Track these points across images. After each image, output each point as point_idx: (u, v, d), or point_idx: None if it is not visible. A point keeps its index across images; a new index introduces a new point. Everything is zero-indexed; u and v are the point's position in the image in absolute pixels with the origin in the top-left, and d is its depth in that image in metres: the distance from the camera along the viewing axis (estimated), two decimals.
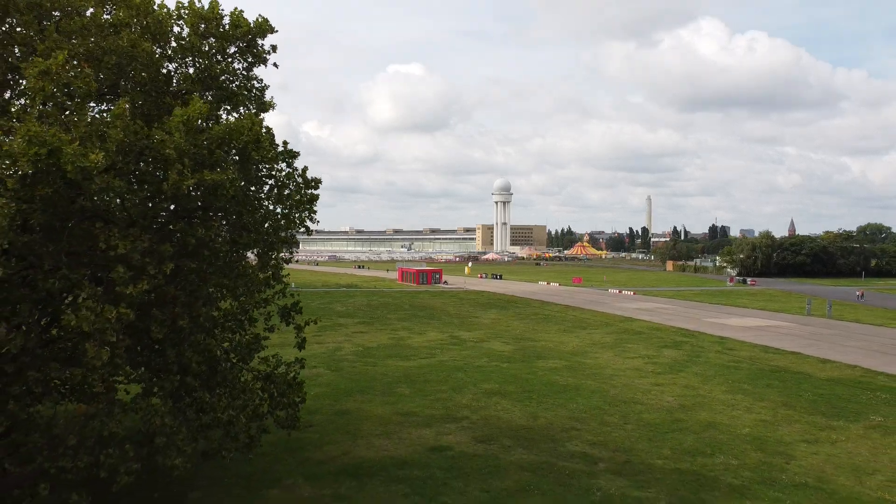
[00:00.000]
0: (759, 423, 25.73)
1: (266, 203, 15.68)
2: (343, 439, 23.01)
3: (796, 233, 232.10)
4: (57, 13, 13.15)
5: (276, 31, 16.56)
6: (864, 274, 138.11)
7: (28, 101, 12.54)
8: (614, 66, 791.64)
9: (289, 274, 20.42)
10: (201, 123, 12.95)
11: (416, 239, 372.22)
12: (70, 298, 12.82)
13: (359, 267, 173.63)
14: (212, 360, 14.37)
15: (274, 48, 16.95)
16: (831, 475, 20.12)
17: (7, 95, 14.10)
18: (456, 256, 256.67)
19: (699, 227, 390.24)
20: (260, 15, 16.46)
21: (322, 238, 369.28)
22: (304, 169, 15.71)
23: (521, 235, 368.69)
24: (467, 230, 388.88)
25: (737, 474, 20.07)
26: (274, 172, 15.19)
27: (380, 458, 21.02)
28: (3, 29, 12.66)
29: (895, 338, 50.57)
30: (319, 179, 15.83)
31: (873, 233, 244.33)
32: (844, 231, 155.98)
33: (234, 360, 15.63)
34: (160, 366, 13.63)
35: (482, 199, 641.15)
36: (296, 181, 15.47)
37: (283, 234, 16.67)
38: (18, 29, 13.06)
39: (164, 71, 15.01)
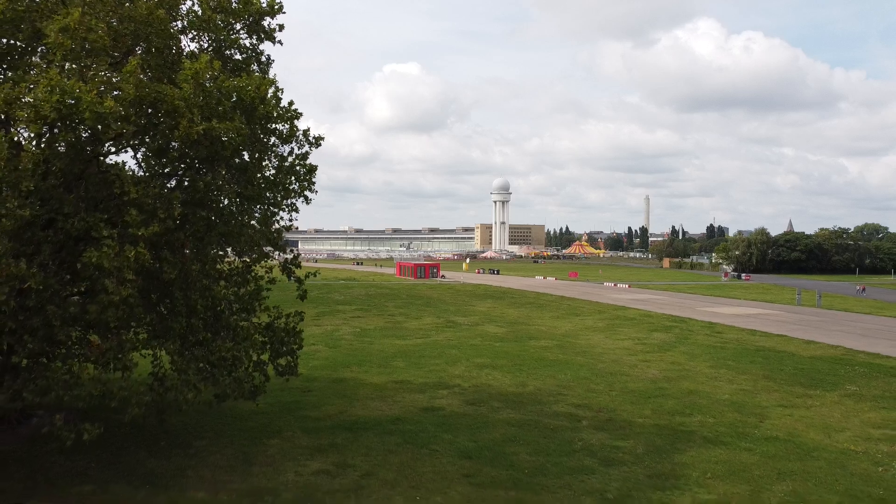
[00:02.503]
0: (739, 392, 26.80)
1: (269, 164, 16.75)
2: (340, 402, 24.06)
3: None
4: None
5: (285, 12, 17.64)
6: (859, 270, 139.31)
7: (49, 56, 13.59)
8: (611, 66, 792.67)
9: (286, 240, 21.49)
10: (210, 76, 13.99)
11: (414, 238, 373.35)
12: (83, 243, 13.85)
13: (357, 264, 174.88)
14: (216, 305, 15.46)
15: (281, 27, 18.04)
16: (802, 431, 21.20)
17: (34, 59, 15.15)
18: (454, 255, 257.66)
19: (698, 228, 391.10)
20: None
21: (321, 237, 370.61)
22: (307, 131, 16.82)
23: (519, 235, 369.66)
24: (466, 230, 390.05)
25: (712, 429, 21.16)
26: (277, 129, 16.26)
27: (375, 416, 22.09)
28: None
29: (882, 324, 51.75)
30: (321, 136, 16.93)
31: (870, 233, 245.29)
32: (839, 228, 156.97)
33: (237, 308, 16.71)
34: (168, 308, 14.70)
35: (480, 200, 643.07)
36: (298, 139, 16.55)
37: (284, 200, 17.76)
38: None
39: (175, 42, 16.07)
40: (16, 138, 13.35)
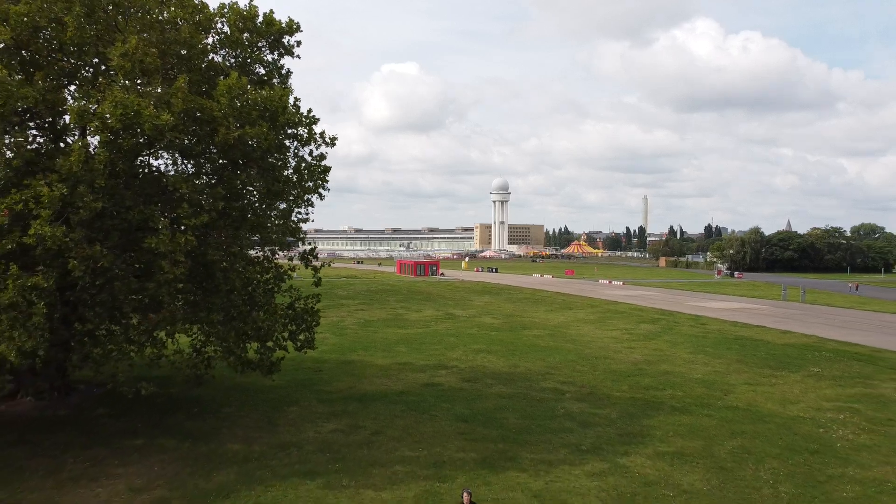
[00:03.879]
0: (712, 373, 29.43)
1: (290, 165, 19.43)
2: (349, 379, 26.70)
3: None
4: (133, 9, 16.78)
5: (302, 30, 20.28)
6: (850, 269, 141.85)
7: (113, 77, 16.21)
8: (609, 66, 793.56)
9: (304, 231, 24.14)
10: (240, 90, 16.60)
11: (414, 238, 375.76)
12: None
13: (358, 262, 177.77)
14: (249, 285, 18.14)
15: (299, 43, 20.68)
16: (760, 403, 23.85)
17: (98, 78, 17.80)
18: (454, 254, 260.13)
19: (696, 228, 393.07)
20: (289, 16, 20.20)
21: (321, 237, 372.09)
22: (322, 133, 19.51)
23: (518, 235, 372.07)
24: (465, 229, 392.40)
25: (680, 401, 23.82)
26: (297, 134, 18.92)
27: (381, 390, 24.74)
28: (95, 27, 16.29)
29: (860, 317, 54.32)
30: (336, 137, 19.61)
31: (867, 233, 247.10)
32: (832, 227, 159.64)
33: (264, 290, 19.37)
34: (210, 287, 17.34)
35: (479, 200, 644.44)
36: (316, 140, 19.21)
37: (302, 196, 20.44)
38: (102, 19, 16.66)
39: (209, 58, 18.70)
40: (89, 145, 15.98)
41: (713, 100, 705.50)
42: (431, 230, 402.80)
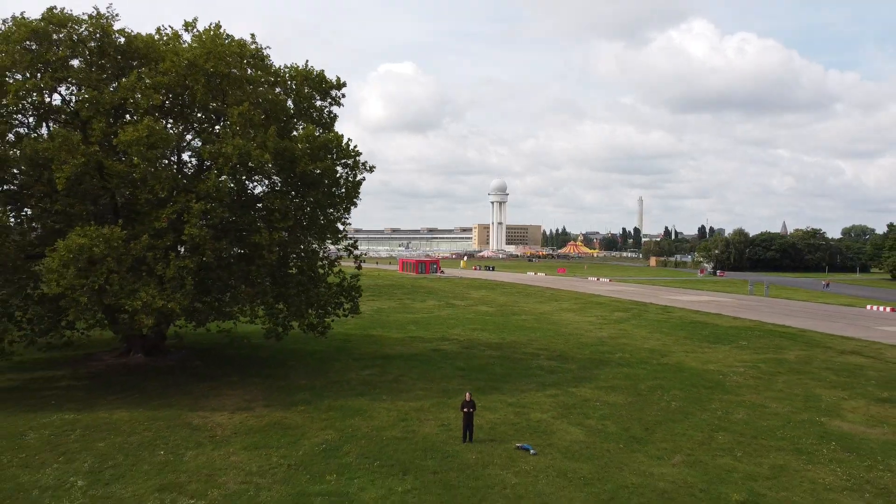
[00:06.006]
0: (659, 344, 37.17)
1: (340, 184, 27.25)
2: (373, 347, 34.42)
3: (787, 234, 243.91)
4: (237, 82, 24.50)
5: (345, 83, 27.99)
6: (830, 269, 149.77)
7: (230, 130, 23.87)
8: (605, 67, 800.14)
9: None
10: (312, 137, 24.33)
11: (413, 238, 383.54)
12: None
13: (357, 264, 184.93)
14: (314, 269, 25.98)
15: (343, 95, 28.37)
16: (686, 363, 31.59)
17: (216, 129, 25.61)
18: (453, 254, 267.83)
19: (693, 229, 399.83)
20: (337, 76, 27.94)
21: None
22: (365, 163, 27.34)
23: (516, 235, 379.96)
24: (464, 230, 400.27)
25: (626, 361, 31.58)
26: (346, 163, 26.73)
27: (399, 353, 32.46)
28: (212, 93, 24.05)
29: (807, 308, 62.07)
30: (374, 166, 27.42)
31: (858, 234, 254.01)
32: (812, 228, 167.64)
33: (322, 272, 27.24)
34: (285, 271, 25.07)
35: (477, 200, 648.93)
36: (359, 168, 27.03)
37: (342, 205, 28.24)
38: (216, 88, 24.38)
39: (287, 108, 26.48)
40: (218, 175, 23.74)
41: (709, 101, 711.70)
42: (430, 230, 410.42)
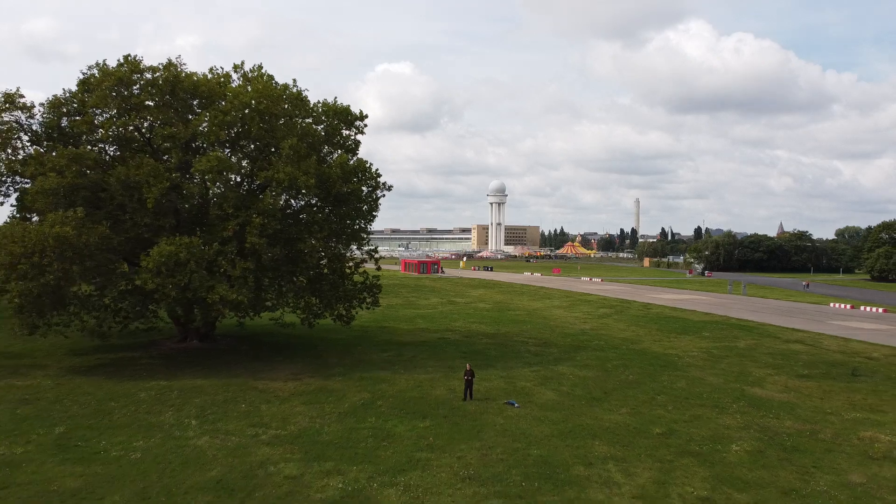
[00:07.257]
0: (633, 335, 43.28)
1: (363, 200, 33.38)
2: (387, 335, 40.54)
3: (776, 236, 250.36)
4: (284, 118, 30.59)
5: (367, 115, 34.08)
6: (815, 270, 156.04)
7: (283, 159, 29.85)
8: (602, 67, 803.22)
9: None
10: (344, 162, 30.49)
11: (413, 239, 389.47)
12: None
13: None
14: (342, 268, 32.21)
15: (365, 125, 34.45)
16: (651, 349, 37.69)
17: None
18: (452, 254, 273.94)
19: (690, 230, 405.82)
20: (360, 109, 34.02)
21: None
22: (384, 183, 33.50)
23: (515, 236, 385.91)
24: (463, 230, 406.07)
25: (600, 346, 37.71)
26: (371, 184, 32.88)
27: (410, 341, 38.58)
28: (266, 128, 30.16)
29: (774, 305, 68.24)
30: (392, 186, 33.55)
31: (851, 236, 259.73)
32: (798, 231, 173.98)
33: (349, 272, 33.42)
34: (319, 272, 31.20)
35: (476, 200, 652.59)
36: (380, 187, 33.16)
37: (369, 219, 34.43)
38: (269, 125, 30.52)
39: (320, 137, 32.64)
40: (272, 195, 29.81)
41: (707, 101, 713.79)
42: (430, 231, 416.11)
